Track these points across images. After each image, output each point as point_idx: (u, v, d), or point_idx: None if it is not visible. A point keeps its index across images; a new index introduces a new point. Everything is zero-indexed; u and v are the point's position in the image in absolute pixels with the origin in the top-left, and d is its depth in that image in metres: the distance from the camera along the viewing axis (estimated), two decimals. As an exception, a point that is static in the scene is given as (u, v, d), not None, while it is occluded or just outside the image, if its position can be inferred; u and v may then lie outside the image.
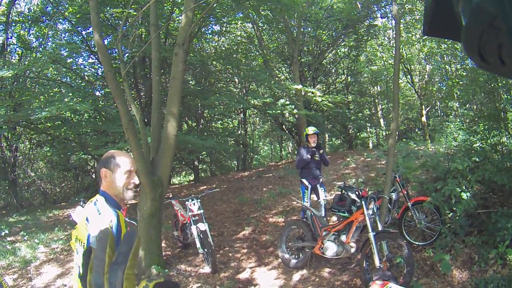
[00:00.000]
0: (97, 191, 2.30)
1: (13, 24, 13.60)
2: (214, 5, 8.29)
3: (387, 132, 21.94)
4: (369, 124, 21.77)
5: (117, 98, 6.34)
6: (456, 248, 5.32)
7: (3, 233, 10.25)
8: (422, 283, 4.94)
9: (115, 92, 6.33)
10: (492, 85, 6.62)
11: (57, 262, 8.10)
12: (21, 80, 13.37)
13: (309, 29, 17.79)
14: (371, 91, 21.89)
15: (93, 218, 2.03)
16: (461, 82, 8.74)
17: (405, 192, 6.62)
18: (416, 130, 21.47)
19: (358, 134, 22.03)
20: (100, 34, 6.31)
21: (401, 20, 13.29)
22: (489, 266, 4.90)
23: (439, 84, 21.20)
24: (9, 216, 14.72)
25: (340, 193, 5.98)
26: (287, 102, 10.55)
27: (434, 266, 5.32)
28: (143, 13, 7.05)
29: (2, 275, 4.37)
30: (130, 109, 7.13)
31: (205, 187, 14.39)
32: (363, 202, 5.25)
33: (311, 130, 7.45)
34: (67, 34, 14.39)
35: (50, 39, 15.03)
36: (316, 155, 7.26)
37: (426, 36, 16.26)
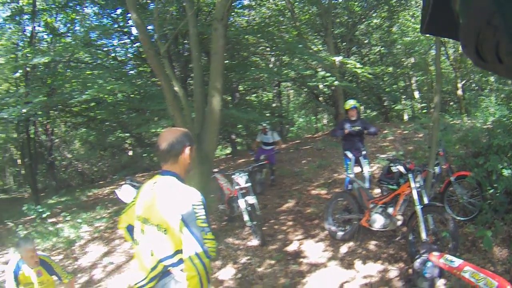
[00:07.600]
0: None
1: (40, 12, 13.80)
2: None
3: (422, 105, 21.51)
4: (404, 96, 21.36)
5: (160, 75, 6.43)
6: (496, 225, 5.20)
7: (44, 215, 10.06)
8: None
9: (157, 69, 6.42)
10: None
11: (102, 240, 8.23)
12: (51, 66, 13.56)
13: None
14: (405, 63, 21.39)
15: (181, 197, 2.08)
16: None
17: (448, 166, 6.50)
18: (451, 103, 20.86)
19: (393, 106, 21.66)
20: (137, 13, 6.38)
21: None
22: (527, 245, 4.76)
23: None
24: (48, 198, 15.11)
25: (388, 165, 5.94)
26: (328, 74, 10.35)
27: (476, 242, 5.22)
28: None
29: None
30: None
31: (243, 160, 14.50)
32: (410, 175, 5.19)
33: (348, 104, 7.43)
34: (94, 17, 14.68)
35: (77, 23, 15.23)
36: (357, 127, 7.22)
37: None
